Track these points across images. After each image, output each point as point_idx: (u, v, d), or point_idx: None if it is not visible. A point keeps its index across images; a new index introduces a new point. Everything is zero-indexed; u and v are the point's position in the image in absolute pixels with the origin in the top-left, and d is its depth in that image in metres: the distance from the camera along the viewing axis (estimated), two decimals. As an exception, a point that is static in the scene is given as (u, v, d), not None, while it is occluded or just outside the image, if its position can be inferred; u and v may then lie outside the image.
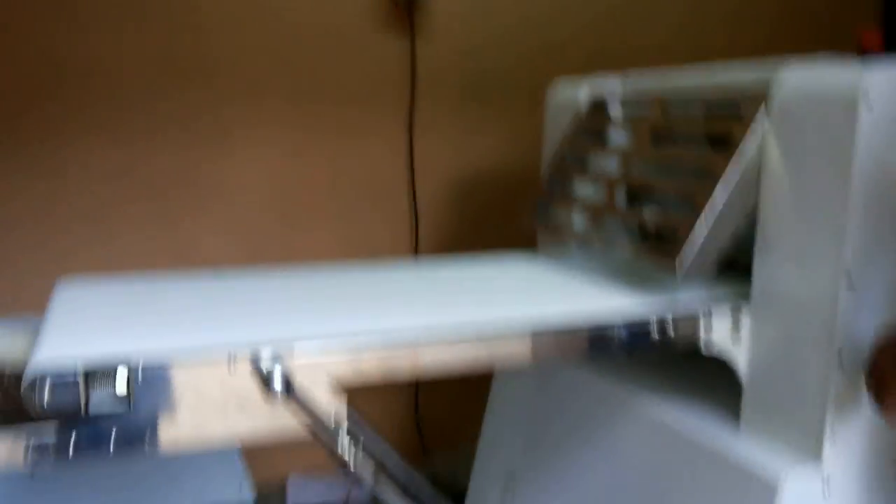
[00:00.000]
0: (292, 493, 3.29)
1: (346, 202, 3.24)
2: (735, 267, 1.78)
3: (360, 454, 1.48)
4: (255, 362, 1.36)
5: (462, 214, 3.40)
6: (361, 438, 1.97)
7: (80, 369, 1.27)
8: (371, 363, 1.47)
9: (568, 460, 2.11)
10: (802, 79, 1.59)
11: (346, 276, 1.99)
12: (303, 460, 3.35)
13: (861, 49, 1.54)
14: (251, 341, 1.40)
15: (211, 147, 3.04)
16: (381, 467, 1.55)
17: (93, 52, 2.85)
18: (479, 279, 2.00)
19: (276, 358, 1.37)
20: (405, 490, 1.66)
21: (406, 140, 3.27)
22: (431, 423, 3.50)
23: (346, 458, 1.48)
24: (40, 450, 1.27)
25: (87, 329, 1.49)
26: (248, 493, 3.21)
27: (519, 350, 1.59)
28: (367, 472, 1.51)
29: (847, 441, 1.56)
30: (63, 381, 1.25)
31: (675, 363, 2.08)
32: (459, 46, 3.30)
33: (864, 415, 1.53)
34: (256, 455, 3.16)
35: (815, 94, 1.54)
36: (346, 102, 3.18)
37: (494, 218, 3.33)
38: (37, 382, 1.24)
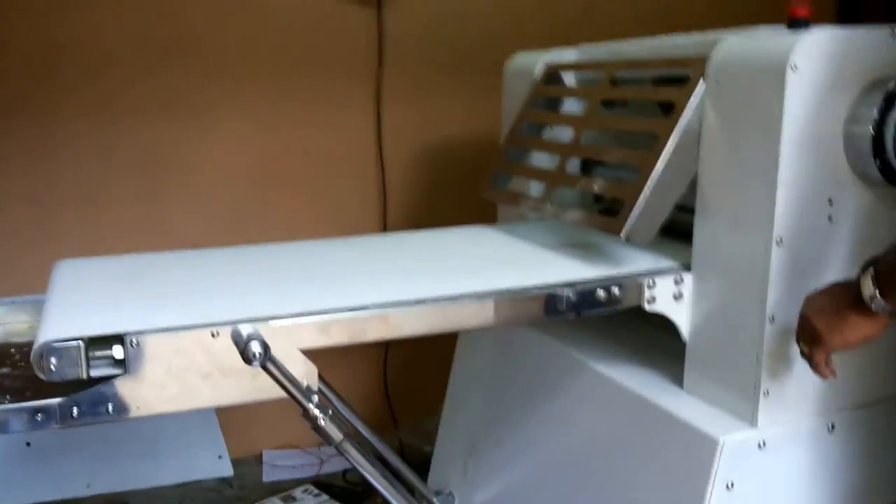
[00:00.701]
0: (268, 466, 3.35)
1: (318, 173, 3.30)
2: (685, 231, 1.83)
3: (330, 417, 1.55)
4: (236, 333, 1.45)
5: (429, 182, 3.46)
6: (333, 405, 2.03)
7: (82, 339, 1.38)
8: (341, 331, 1.55)
9: (525, 422, 2.17)
10: (737, 47, 1.64)
11: (319, 250, 2.06)
12: (277, 436, 3.42)
13: (791, 19, 1.59)
14: (232, 313, 1.49)
15: (190, 125, 3.10)
16: (352, 435, 1.60)
17: (82, 36, 2.90)
18: (440, 250, 2.06)
19: (254, 329, 1.45)
20: (375, 458, 1.71)
21: (374, 111, 3.32)
22: (400, 394, 3.56)
23: (319, 422, 1.54)
24: (47, 413, 1.38)
25: (87, 303, 1.60)
26: (227, 467, 3.26)
27: (480, 314, 1.65)
28: (337, 433, 1.57)
29: (782, 398, 1.62)
30: (67, 350, 1.37)
31: (629, 326, 2.13)
32: (425, 17, 3.34)
33: (798, 373, 1.59)
34: (234, 430, 3.22)
35: (748, 60, 1.59)
36: (317, 75, 3.23)
37: (460, 185, 3.37)
38: (45, 352, 1.36)
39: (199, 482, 3.21)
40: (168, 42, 3.02)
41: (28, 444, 3.01)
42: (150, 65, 3.01)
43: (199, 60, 3.07)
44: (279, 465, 3.35)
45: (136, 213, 3.08)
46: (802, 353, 1.51)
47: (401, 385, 3.55)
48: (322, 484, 3.20)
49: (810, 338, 1.46)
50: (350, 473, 3.22)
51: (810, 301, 1.48)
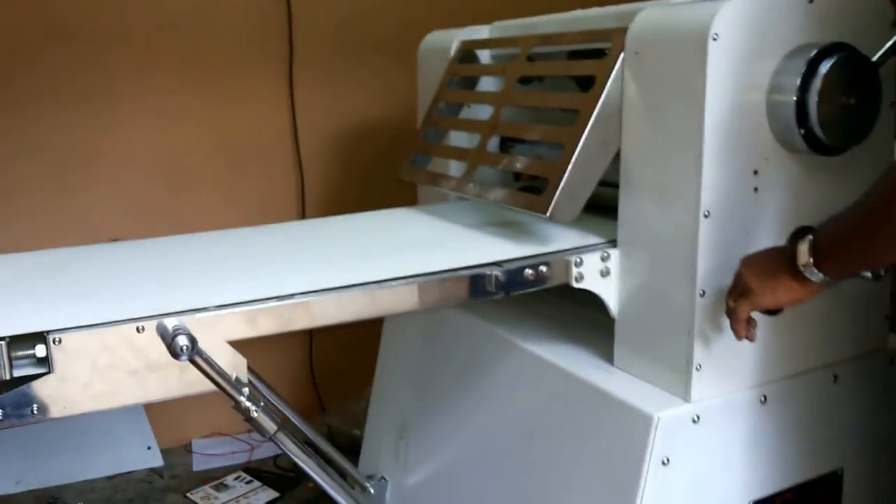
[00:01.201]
0: (198, 455, 3.31)
1: (232, 163, 3.24)
2: (609, 206, 1.83)
3: (263, 409, 1.52)
4: (161, 328, 1.42)
5: (347, 167, 3.42)
6: (262, 395, 2.00)
7: (3, 338, 1.33)
8: (269, 321, 1.52)
9: (457, 403, 2.15)
10: (657, 17, 1.63)
11: (239, 239, 2.02)
12: (206, 424, 3.38)
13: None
14: (157, 307, 1.45)
15: (101, 117, 3.03)
16: (282, 422, 1.58)
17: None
18: (362, 235, 2.03)
19: (180, 323, 1.42)
20: (305, 444, 1.70)
21: (287, 96, 3.27)
22: (326, 379, 3.53)
23: (252, 414, 1.52)
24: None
25: (4, 301, 1.54)
26: (157, 457, 3.23)
27: (408, 298, 1.63)
28: (270, 425, 1.55)
29: (714, 372, 1.61)
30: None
31: (554, 303, 2.12)
32: (334, 2, 3.29)
33: (730, 346, 1.58)
34: (162, 420, 3.18)
35: (668, 30, 1.58)
36: (226, 62, 3.17)
37: (377, 170, 3.35)
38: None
39: (129, 474, 3.19)
40: (74, 34, 2.94)
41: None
42: (52, 50, 2.93)
43: (102, 45, 2.99)
44: (209, 453, 3.32)
45: (48, 202, 3.01)
46: (727, 308, 1.52)
47: (327, 369, 3.53)
48: (253, 470, 3.18)
49: (739, 292, 1.49)
50: (281, 459, 3.20)
51: (747, 260, 1.50)
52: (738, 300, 1.49)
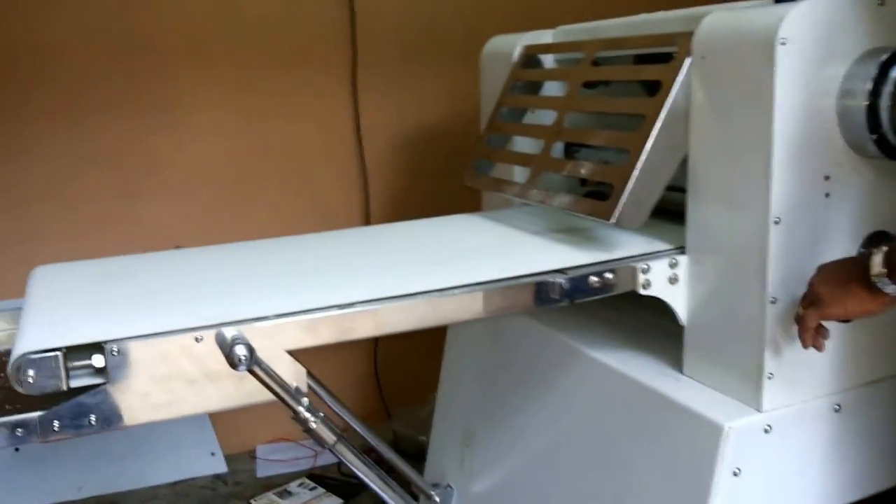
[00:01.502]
0: (262, 461, 3.31)
1: (296, 166, 3.25)
2: (677, 211, 1.80)
3: (322, 419, 1.52)
4: (220, 337, 1.42)
5: (410, 170, 3.41)
6: (323, 402, 2.00)
7: (61, 349, 1.34)
8: (328, 329, 1.51)
9: (522, 411, 2.14)
10: (724, 21, 1.60)
11: (302, 246, 2.01)
12: (271, 430, 3.38)
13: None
14: (216, 316, 1.45)
15: (163, 121, 3.05)
16: (344, 431, 1.58)
17: (43, 32, 2.84)
18: (425, 241, 2.02)
19: (238, 332, 1.42)
20: (368, 451, 1.69)
21: (351, 101, 3.27)
22: (392, 384, 3.52)
23: (310, 425, 1.51)
24: (27, 428, 1.34)
25: (64, 311, 1.55)
26: (221, 463, 3.24)
27: (470, 306, 1.62)
28: (329, 436, 1.54)
29: (786, 381, 1.58)
30: (45, 361, 1.33)
31: (620, 308, 2.10)
32: (399, 4, 3.30)
33: (803, 354, 1.55)
34: (226, 427, 3.19)
35: (735, 34, 1.55)
36: (290, 66, 3.18)
37: (442, 173, 3.34)
38: (21, 364, 1.32)
39: (192, 480, 3.19)
40: (132, 34, 2.97)
41: (17, 449, 2.97)
42: (117, 60, 2.96)
43: (166, 53, 3.02)
44: (273, 459, 3.32)
45: (111, 210, 3.03)
46: (797, 316, 1.50)
47: (392, 374, 3.52)
48: (317, 477, 3.17)
49: (810, 301, 1.47)
50: (346, 466, 3.16)
51: (822, 268, 1.48)
52: (807, 308, 1.46)
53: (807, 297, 1.48)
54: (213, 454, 3.24)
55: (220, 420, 3.21)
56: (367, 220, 3.35)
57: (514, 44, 2.30)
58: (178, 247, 2.25)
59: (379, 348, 3.47)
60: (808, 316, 1.46)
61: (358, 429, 2.22)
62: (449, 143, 3.39)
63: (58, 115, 2.91)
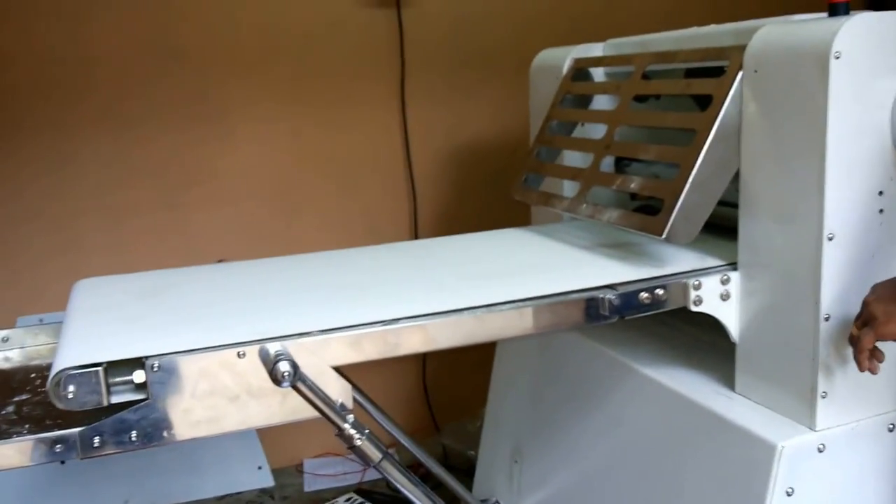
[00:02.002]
0: (309, 475, 3.31)
1: (344, 183, 3.25)
2: (728, 227, 1.78)
3: (367, 436, 1.51)
4: (263, 353, 1.42)
5: (458, 183, 3.40)
6: (371, 416, 1.99)
7: (101, 364, 1.34)
8: (374, 345, 1.50)
9: (571, 427, 2.12)
10: (777, 34, 1.58)
11: (348, 260, 2.01)
12: (318, 444, 3.38)
13: (831, 6, 1.54)
14: (259, 331, 1.45)
15: (210, 132, 3.07)
16: (391, 446, 1.56)
17: (89, 42, 2.87)
18: (473, 256, 2.01)
19: (282, 348, 1.41)
20: (417, 467, 1.68)
21: (399, 111, 3.27)
22: (440, 398, 3.51)
23: (355, 442, 1.50)
24: (66, 444, 1.34)
25: (105, 326, 1.55)
26: (267, 477, 3.24)
27: (519, 322, 1.61)
28: (375, 453, 1.53)
29: (840, 399, 1.56)
30: (86, 376, 1.33)
31: (670, 324, 2.09)
32: (446, 16, 3.30)
33: (856, 373, 1.51)
34: (273, 440, 3.19)
35: (789, 48, 1.53)
36: (338, 78, 3.19)
37: (490, 186, 3.35)
38: (62, 379, 1.32)
39: (239, 494, 3.19)
40: (180, 47, 2.99)
41: (62, 461, 2.98)
42: (163, 71, 2.98)
43: (215, 66, 3.04)
44: (321, 473, 3.32)
45: (154, 222, 3.05)
46: (851, 336, 1.47)
47: (441, 388, 3.51)
48: (365, 492, 3.15)
49: (864, 321, 1.43)
50: (394, 481, 3.17)
51: (876, 288, 1.45)
52: (862, 329, 1.44)
53: (861, 316, 1.45)
54: (260, 468, 3.24)
55: (267, 434, 3.21)
56: (414, 234, 3.35)
57: (564, 57, 2.29)
58: (220, 260, 2.25)
59: (428, 361, 3.46)
60: (864, 336, 1.43)
61: (406, 444, 2.20)
62: (497, 157, 3.39)
63: (103, 125, 2.94)
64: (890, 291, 1.41)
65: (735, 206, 1.70)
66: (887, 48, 1.48)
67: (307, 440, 3.36)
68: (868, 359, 1.44)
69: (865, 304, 1.44)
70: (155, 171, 3.01)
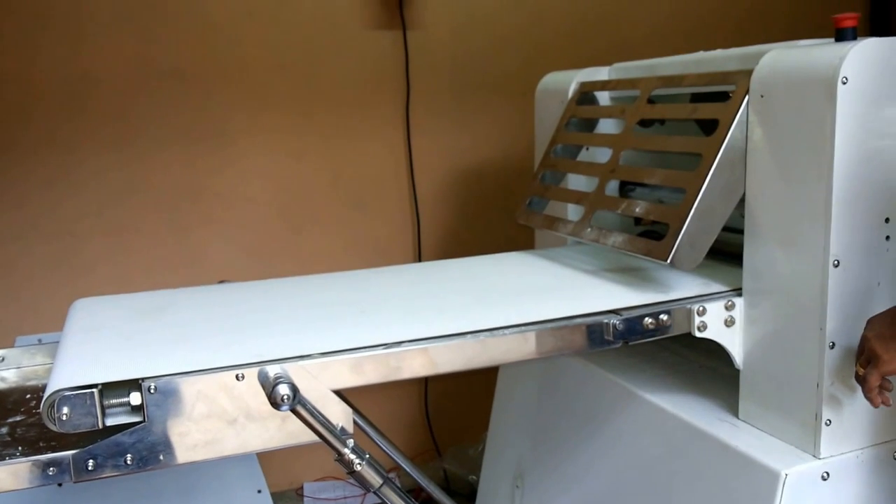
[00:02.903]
0: (309, 499, 3.29)
1: (347, 204, 3.24)
2: (733, 253, 1.77)
3: (368, 461, 1.49)
4: (262, 376, 1.40)
5: (462, 207, 3.39)
6: (371, 440, 1.97)
7: (97, 385, 1.32)
8: (375, 369, 1.49)
9: (573, 452, 2.11)
10: (784, 59, 1.58)
11: (350, 282, 2.00)
12: (319, 468, 3.36)
13: (838, 31, 1.53)
14: (258, 353, 1.43)
15: (214, 153, 3.05)
16: (392, 470, 1.54)
17: (93, 60, 2.86)
18: (476, 280, 1.99)
19: (282, 370, 1.39)
20: (418, 491, 1.66)
21: (404, 137, 3.27)
22: (442, 422, 3.49)
23: (355, 467, 1.48)
24: (59, 467, 1.32)
25: (101, 346, 1.53)
26: (267, 501, 3.21)
27: (522, 347, 1.60)
28: (375, 478, 1.51)
29: (844, 427, 1.55)
30: (80, 398, 1.31)
31: (676, 352, 2.08)
32: (452, 40, 3.29)
33: (861, 400, 1.50)
34: (273, 463, 3.17)
35: (795, 73, 1.53)
36: (343, 103, 3.18)
37: (494, 212, 3.33)
38: (55, 401, 1.30)
39: (238, 518, 3.16)
40: (185, 69, 2.98)
41: (60, 484, 2.97)
42: (169, 92, 2.97)
43: (220, 88, 3.03)
44: (321, 497, 3.30)
45: (156, 242, 3.03)
46: (856, 375, 1.46)
47: (442, 412, 3.49)
48: (366, 516, 3.14)
49: (867, 359, 1.42)
50: (394, 505, 3.16)
51: (872, 323, 1.44)
52: (866, 368, 1.42)
53: (862, 353, 1.44)
54: (259, 492, 3.20)
55: (266, 457, 3.17)
56: (418, 256, 3.33)
57: (570, 80, 2.29)
58: (221, 281, 2.25)
59: (430, 385, 3.44)
60: (870, 377, 1.41)
61: (407, 468, 2.19)
62: (501, 181, 3.38)
63: (105, 144, 2.92)
64: (887, 325, 1.39)
65: (739, 231, 1.69)
66: (894, 74, 1.47)
67: (307, 463, 3.33)
68: (877, 396, 1.42)
69: (865, 340, 1.42)
70: (157, 189, 3.00)
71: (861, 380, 1.43)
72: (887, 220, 1.51)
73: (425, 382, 3.42)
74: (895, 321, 1.40)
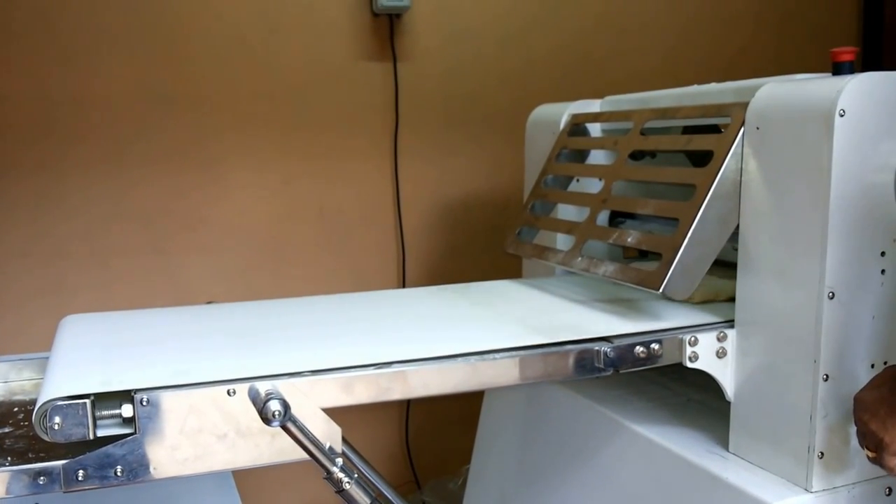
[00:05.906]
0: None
1: (334, 228, 3.23)
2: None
3: (356, 481, 1.48)
4: (253, 392, 1.40)
5: (449, 238, 3.39)
6: (355, 467, 1.96)
7: (89, 395, 1.32)
8: (365, 389, 1.49)
9: (560, 485, 2.09)
10: (780, 93, 1.58)
11: (338, 305, 2.00)
12: (298, 495, 3.32)
13: (835, 64, 1.54)
14: (250, 370, 1.43)
15: (202, 178, 3.04)
16: (377, 499, 1.53)
17: (85, 88, 2.85)
18: (465, 305, 1.98)
19: (273, 387, 1.40)
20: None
21: (391, 165, 3.27)
22: (422, 454, 3.46)
23: (344, 486, 1.47)
24: (49, 476, 1.31)
25: (93, 359, 1.53)
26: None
27: (511, 371, 1.59)
28: (363, 498, 1.50)
29: (837, 461, 1.54)
30: (72, 408, 1.31)
31: (664, 384, 2.07)
32: (442, 71, 3.30)
33: (854, 434, 1.49)
34: (251, 490, 3.14)
35: (792, 105, 1.53)
36: (332, 130, 3.18)
37: (481, 241, 3.33)
38: (47, 410, 1.30)
39: (215, 551, 3.12)
40: (174, 93, 2.97)
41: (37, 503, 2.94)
42: (157, 116, 2.95)
43: (209, 113, 3.02)
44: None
45: (145, 267, 3.01)
46: (869, 458, 1.40)
47: (423, 444, 3.46)
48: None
49: (874, 445, 1.37)
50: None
51: (860, 401, 1.41)
52: (875, 453, 1.36)
53: (863, 438, 1.39)
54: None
55: (244, 482, 3.16)
56: (402, 287, 3.32)
57: (561, 112, 2.30)
58: (210, 302, 2.24)
59: (410, 415, 3.42)
60: (886, 462, 1.34)
61: (390, 496, 2.18)
62: (488, 214, 3.38)
63: (95, 168, 2.90)
64: (877, 400, 1.36)
65: (732, 265, 1.69)
66: (891, 108, 1.48)
67: (287, 489, 3.29)
68: None
69: (861, 422, 1.39)
70: (145, 215, 2.98)
71: (878, 464, 1.38)
72: (883, 253, 1.51)
73: (406, 413, 3.40)
74: (882, 392, 1.37)
